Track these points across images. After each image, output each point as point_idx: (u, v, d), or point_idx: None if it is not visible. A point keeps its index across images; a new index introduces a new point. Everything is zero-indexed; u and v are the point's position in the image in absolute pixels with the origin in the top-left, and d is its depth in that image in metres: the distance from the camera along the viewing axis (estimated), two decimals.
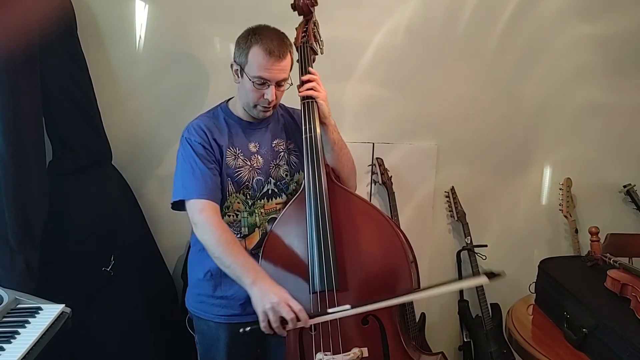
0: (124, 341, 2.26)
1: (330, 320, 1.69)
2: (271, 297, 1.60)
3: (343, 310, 1.63)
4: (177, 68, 2.48)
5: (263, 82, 1.75)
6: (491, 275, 1.56)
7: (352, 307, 1.63)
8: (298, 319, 1.60)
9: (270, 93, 1.76)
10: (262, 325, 1.62)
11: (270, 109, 1.83)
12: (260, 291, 1.63)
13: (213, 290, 1.88)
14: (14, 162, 1.89)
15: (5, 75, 1.86)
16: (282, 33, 1.80)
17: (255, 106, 1.81)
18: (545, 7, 2.60)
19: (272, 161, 1.89)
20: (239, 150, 1.86)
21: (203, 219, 1.72)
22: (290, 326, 1.61)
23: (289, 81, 1.82)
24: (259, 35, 1.75)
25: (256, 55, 1.73)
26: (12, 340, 1.42)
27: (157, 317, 2.43)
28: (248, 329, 1.66)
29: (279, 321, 1.60)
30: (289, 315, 1.59)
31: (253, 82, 1.75)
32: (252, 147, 1.88)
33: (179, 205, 1.79)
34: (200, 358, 2.00)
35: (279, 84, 1.78)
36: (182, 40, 2.47)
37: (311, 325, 1.71)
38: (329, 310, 1.65)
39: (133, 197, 2.48)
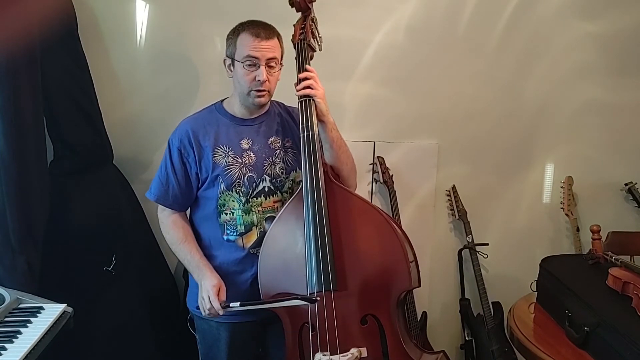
0: (125, 341, 2.26)
1: (328, 321, 1.70)
2: (201, 292, 1.82)
3: (234, 307, 1.76)
4: (178, 67, 2.48)
5: (253, 63, 1.77)
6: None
7: (241, 305, 1.76)
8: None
9: (261, 73, 1.77)
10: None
11: (265, 93, 1.82)
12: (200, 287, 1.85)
13: None
14: (15, 162, 1.89)
15: (6, 76, 1.86)
16: (271, 25, 1.85)
17: (249, 93, 1.81)
18: (546, 5, 2.59)
19: (267, 158, 1.89)
20: (228, 148, 1.86)
21: (162, 217, 1.93)
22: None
23: (280, 64, 1.83)
24: (246, 24, 1.82)
25: (244, 39, 1.79)
26: (14, 339, 1.42)
27: (159, 317, 2.43)
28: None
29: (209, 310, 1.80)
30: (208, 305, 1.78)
31: (243, 63, 1.77)
32: (245, 143, 1.87)
33: None
34: (202, 358, 2.00)
35: (269, 66, 1.79)
36: (182, 40, 2.47)
37: (310, 326, 1.72)
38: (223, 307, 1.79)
39: (134, 197, 2.48)
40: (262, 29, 1.79)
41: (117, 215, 2.34)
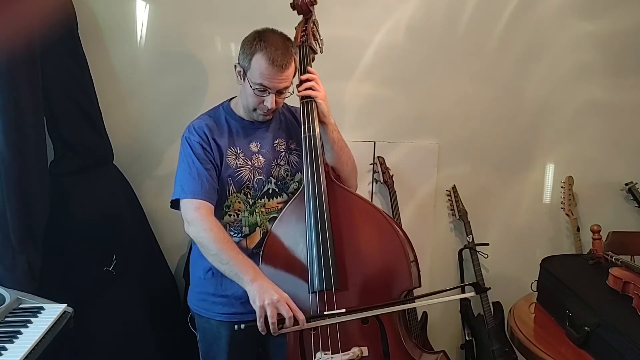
0: (126, 340, 2.26)
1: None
2: (272, 294, 1.61)
3: (339, 314, 1.65)
4: (178, 68, 2.48)
5: (264, 90, 1.75)
6: (478, 287, 1.63)
7: (347, 312, 1.64)
8: (296, 321, 1.61)
9: (270, 101, 1.76)
10: (259, 321, 1.61)
11: (270, 114, 1.83)
12: (260, 287, 1.63)
13: (214, 289, 1.89)
14: (15, 162, 1.89)
15: (6, 76, 1.86)
16: (288, 40, 1.79)
17: (254, 110, 1.82)
18: (546, 5, 2.59)
19: (273, 161, 1.90)
20: (239, 150, 1.86)
21: (198, 217, 1.73)
22: (286, 325, 1.60)
23: (290, 89, 1.81)
24: (264, 42, 1.73)
25: (259, 62, 1.72)
26: (14, 340, 1.42)
27: (159, 316, 2.43)
28: (243, 325, 1.66)
29: (276, 318, 1.60)
30: (287, 314, 1.59)
31: (254, 88, 1.75)
32: (254, 146, 1.88)
33: (177, 205, 1.80)
34: (202, 356, 2.00)
35: (279, 92, 1.78)
36: (182, 40, 2.47)
37: None
38: (326, 313, 1.66)
39: (134, 197, 2.48)
40: (280, 54, 1.71)
41: (118, 216, 2.34)
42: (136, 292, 2.35)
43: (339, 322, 1.70)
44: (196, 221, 1.73)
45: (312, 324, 1.66)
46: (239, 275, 1.67)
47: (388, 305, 1.71)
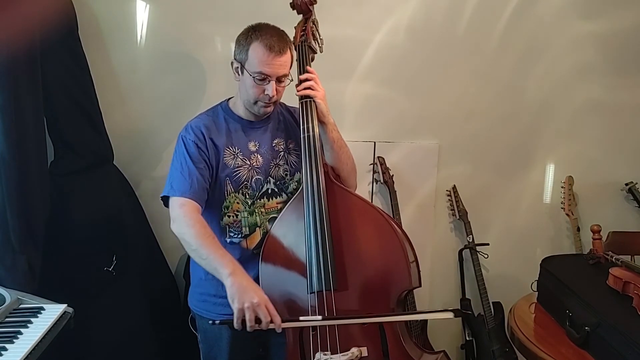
0: (126, 341, 2.26)
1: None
2: (252, 296, 1.59)
3: (314, 320, 1.66)
4: (178, 68, 2.48)
5: (264, 78, 1.76)
6: (458, 312, 1.67)
7: (324, 319, 1.66)
8: (272, 322, 1.61)
9: (271, 88, 1.77)
10: (237, 322, 1.60)
11: (271, 104, 1.83)
12: (240, 286, 1.61)
13: (215, 290, 1.88)
14: (15, 162, 1.89)
15: (6, 76, 1.86)
16: (282, 30, 1.81)
17: (256, 102, 1.82)
18: (546, 5, 2.59)
19: (272, 160, 1.90)
20: (237, 149, 1.86)
21: (182, 213, 1.73)
22: (262, 326, 1.60)
23: (289, 77, 1.82)
24: (259, 32, 1.76)
25: (256, 50, 1.74)
26: (14, 340, 1.42)
27: (159, 317, 2.43)
28: (218, 321, 1.68)
29: (254, 321, 1.60)
30: (265, 319, 1.59)
31: (254, 77, 1.76)
32: (252, 146, 1.88)
33: (167, 202, 1.80)
34: (203, 357, 2.00)
35: (279, 80, 1.78)
36: (182, 40, 2.47)
37: (311, 325, 1.72)
38: (302, 319, 1.67)
39: (135, 197, 2.48)
40: (276, 40, 1.74)
41: (118, 215, 2.34)
42: (136, 293, 2.35)
43: (337, 324, 1.71)
44: (179, 218, 1.73)
45: (288, 325, 1.66)
46: (218, 270, 1.65)
47: (369, 317, 1.71)
